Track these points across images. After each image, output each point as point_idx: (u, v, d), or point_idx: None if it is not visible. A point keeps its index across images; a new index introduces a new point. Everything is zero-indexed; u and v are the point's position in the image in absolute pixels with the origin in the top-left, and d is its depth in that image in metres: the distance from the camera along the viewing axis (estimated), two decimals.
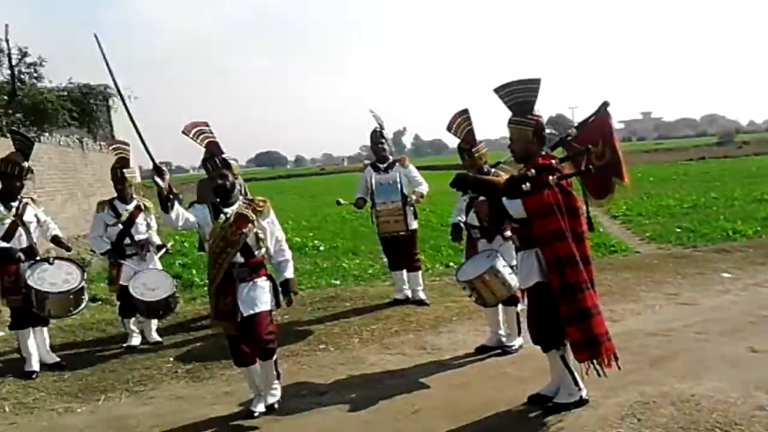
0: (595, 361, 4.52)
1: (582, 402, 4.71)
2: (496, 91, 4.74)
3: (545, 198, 4.49)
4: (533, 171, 4.54)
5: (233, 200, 4.94)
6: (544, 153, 4.74)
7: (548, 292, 4.58)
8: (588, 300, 4.49)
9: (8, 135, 13.90)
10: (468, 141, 6.19)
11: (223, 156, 4.90)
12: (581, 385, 4.73)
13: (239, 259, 4.85)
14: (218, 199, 4.93)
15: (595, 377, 4.60)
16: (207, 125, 4.96)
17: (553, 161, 4.69)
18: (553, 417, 4.60)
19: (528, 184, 4.49)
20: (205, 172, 5.03)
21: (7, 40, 19.29)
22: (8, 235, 6.44)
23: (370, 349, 6.64)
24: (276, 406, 5.09)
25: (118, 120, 26.46)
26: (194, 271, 11.36)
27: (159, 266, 7.43)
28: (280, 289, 5.05)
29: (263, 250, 4.96)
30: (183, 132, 4.88)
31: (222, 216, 4.85)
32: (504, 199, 4.63)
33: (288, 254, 5.14)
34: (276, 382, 5.12)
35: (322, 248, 14.14)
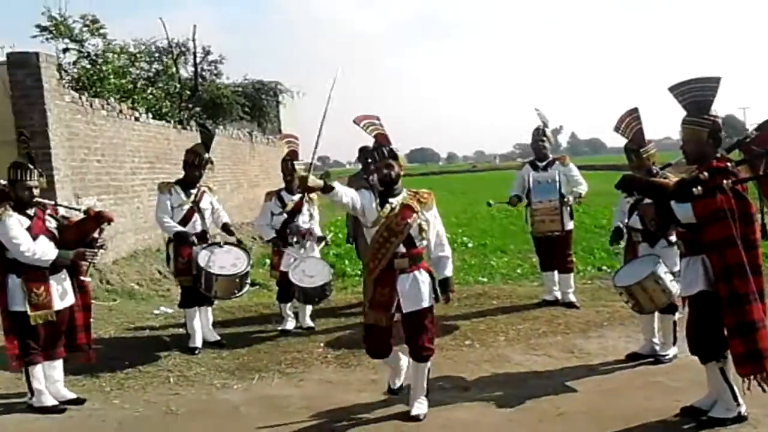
0: (758, 376, 4.25)
1: (740, 418, 4.45)
2: (671, 89, 4.56)
3: (718, 203, 4.26)
4: (706, 174, 4.33)
5: (398, 191, 4.91)
6: (719, 155, 4.51)
7: (712, 302, 4.36)
8: (755, 312, 4.23)
9: (189, 126, 15.01)
10: (636, 141, 5.95)
11: (391, 147, 4.90)
12: (740, 400, 4.47)
13: (401, 249, 4.82)
14: (382, 189, 4.93)
15: (758, 393, 4.31)
16: (378, 119, 4.99)
17: (729, 164, 4.45)
18: (707, 431, 4.39)
19: (700, 188, 4.29)
20: (371, 162, 5.04)
21: (193, 40, 20.77)
22: (185, 220, 6.96)
23: (515, 349, 6.59)
24: (421, 417, 4.93)
25: (286, 115, 27.78)
26: (347, 262, 11.71)
27: (318, 255, 7.73)
28: (437, 285, 4.99)
29: (425, 242, 4.92)
30: (354, 122, 4.93)
31: (387, 205, 4.84)
32: (672, 202, 4.43)
33: (448, 251, 5.05)
34: (423, 397, 5.03)
35: (470, 245, 14.13)
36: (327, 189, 4.61)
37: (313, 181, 4.56)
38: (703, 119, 4.45)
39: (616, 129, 6.06)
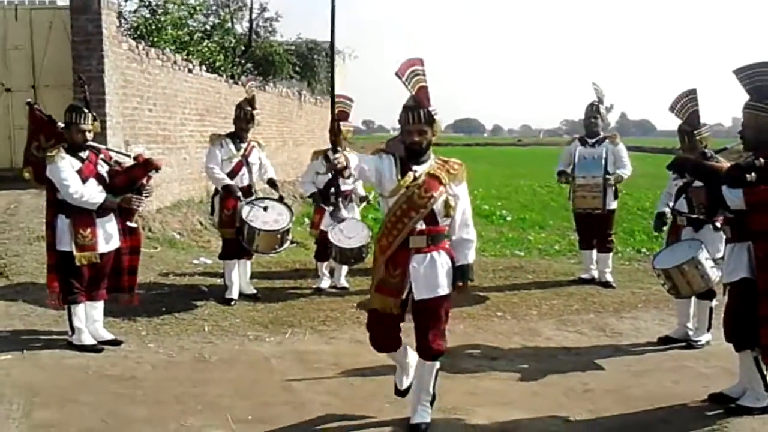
0: None
1: None
2: (736, 72, 4.44)
3: None
4: (762, 160, 4.25)
5: (424, 159, 4.17)
6: None
7: (753, 290, 4.32)
8: None
9: (241, 82, 15.13)
10: (691, 122, 5.84)
11: (430, 109, 4.09)
12: None
13: (420, 225, 4.10)
14: (407, 157, 4.18)
15: None
16: (422, 64, 4.13)
17: None
18: (734, 419, 4.35)
19: (754, 174, 4.21)
20: (402, 122, 4.16)
21: None
22: (233, 173, 7.05)
23: (547, 324, 6.61)
24: (423, 427, 4.24)
25: (336, 76, 27.91)
26: None
27: (358, 217, 7.78)
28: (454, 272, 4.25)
29: (449, 221, 4.19)
30: (396, 74, 4.07)
31: (410, 174, 4.10)
32: (724, 187, 4.36)
33: (473, 234, 4.30)
34: (428, 403, 4.32)
35: (509, 218, 14.11)
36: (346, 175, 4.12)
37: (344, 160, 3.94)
38: (767, 105, 4.36)
39: (671, 109, 5.96)
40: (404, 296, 4.12)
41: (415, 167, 4.12)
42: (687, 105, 5.88)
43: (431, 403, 4.34)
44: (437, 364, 4.29)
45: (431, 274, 4.11)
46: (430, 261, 4.12)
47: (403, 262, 4.11)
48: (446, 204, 4.10)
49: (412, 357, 4.40)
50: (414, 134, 4.09)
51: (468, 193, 4.32)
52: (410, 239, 4.10)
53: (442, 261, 4.15)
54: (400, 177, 4.11)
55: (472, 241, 4.27)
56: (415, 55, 4.09)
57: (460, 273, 4.19)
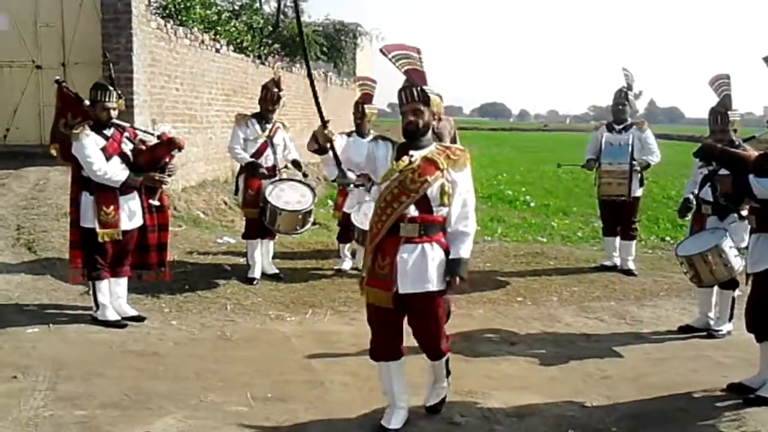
0: None
1: None
2: (767, 60, 4.41)
3: None
4: None
5: (424, 144, 3.88)
6: None
7: None
8: None
9: (267, 62, 15.15)
10: (724, 104, 5.80)
11: (424, 87, 3.85)
12: None
13: (412, 212, 3.79)
14: (406, 142, 3.91)
15: None
16: (418, 52, 3.92)
17: None
18: (752, 409, 4.33)
19: None
20: (399, 106, 3.93)
21: None
22: (258, 153, 7.09)
23: (567, 310, 6.59)
24: (439, 408, 4.25)
25: (362, 58, 27.84)
26: None
27: None
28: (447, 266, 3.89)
29: (445, 211, 3.86)
30: (381, 51, 3.89)
31: (405, 158, 3.81)
32: (751, 176, 4.32)
33: (472, 227, 3.95)
34: (445, 380, 4.24)
35: (533, 204, 14.07)
36: (321, 151, 3.94)
37: (324, 136, 3.85)
38: None
39: (710, 84, 5.91)
40: (395, 289, 3.81)
41: (412, 152, 3.83)
42: (723, 86, 5.83)
43: (447, 376, 4.24)
44: (445, 358, 4.14)
45: (420, 267, 3.79)
46: (420, 253, 3.80)
47: (391, 251, 3.82)
48: (442, 190, 3.79)
49: (406, 392, 4.10)
50: (409, 114, 3.83)
51: (471, 183, 4.01)
52: (401, 227, 3.80)
53: (434, 254, 3.83)
54: (395, 161, 3.83)
55: (469, 234, 3.93)
56: (414, 44, 3.96)
57: (450, 267, 3.85)
